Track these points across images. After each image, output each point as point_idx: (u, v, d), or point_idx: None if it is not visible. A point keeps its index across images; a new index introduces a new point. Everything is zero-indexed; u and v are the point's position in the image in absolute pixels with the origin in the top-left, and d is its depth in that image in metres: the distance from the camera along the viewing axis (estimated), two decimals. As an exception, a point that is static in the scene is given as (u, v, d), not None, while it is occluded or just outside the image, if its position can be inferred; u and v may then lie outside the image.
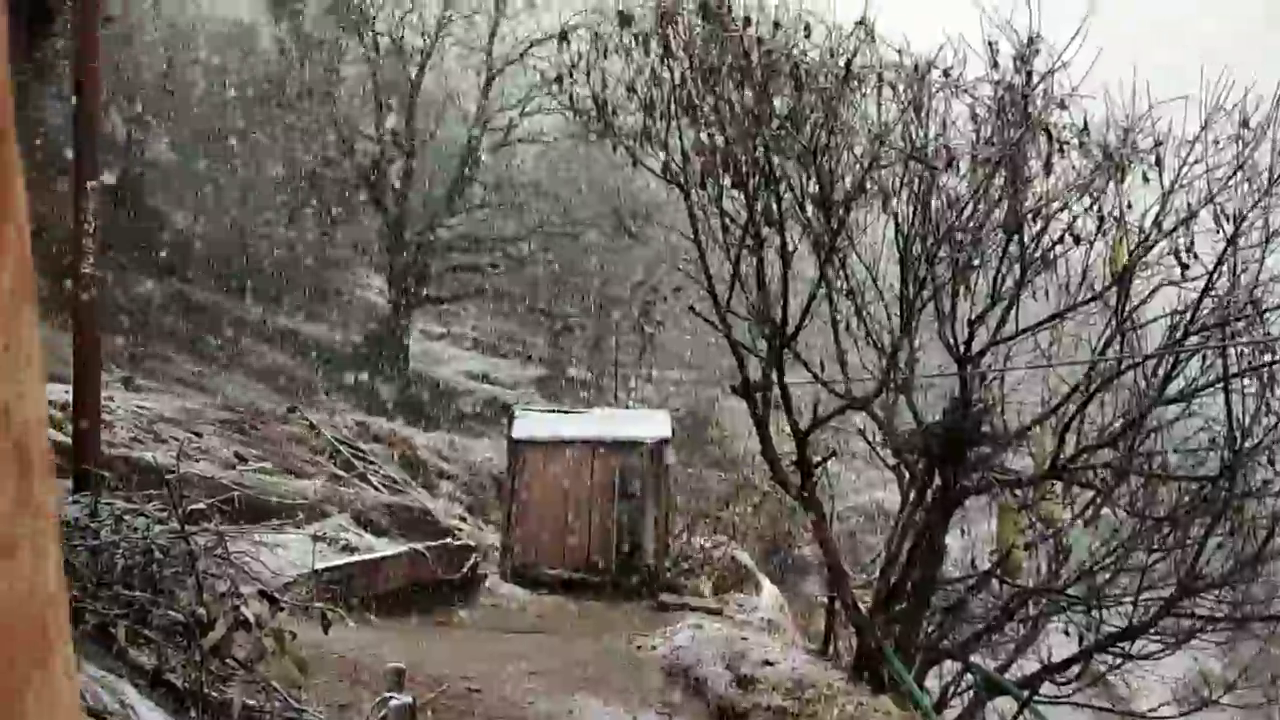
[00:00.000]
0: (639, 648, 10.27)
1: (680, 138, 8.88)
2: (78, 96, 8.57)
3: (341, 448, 16.88)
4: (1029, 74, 7.97)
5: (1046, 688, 10.05)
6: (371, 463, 17.05)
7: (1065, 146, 8.02)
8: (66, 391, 8.98)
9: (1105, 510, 9.76)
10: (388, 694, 5.45)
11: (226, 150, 27.45)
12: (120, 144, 24.61)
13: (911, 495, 9.45)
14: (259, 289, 27.38)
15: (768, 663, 9.63)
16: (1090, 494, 9.50)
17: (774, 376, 9.29)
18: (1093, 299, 8.46)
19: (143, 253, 24.89)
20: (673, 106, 8.59)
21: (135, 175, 25.10)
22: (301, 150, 28.11)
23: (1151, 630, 9.51)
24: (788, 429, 9.65)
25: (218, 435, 14.37)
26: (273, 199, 29.04)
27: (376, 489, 15.68)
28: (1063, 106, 7.92)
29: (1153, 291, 8.48)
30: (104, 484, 6.21)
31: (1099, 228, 8.27)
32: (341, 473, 15.82)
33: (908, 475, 9.62)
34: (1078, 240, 8.38)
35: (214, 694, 4.97)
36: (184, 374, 21.58)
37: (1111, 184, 8.15)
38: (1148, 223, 8.14)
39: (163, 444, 12.41)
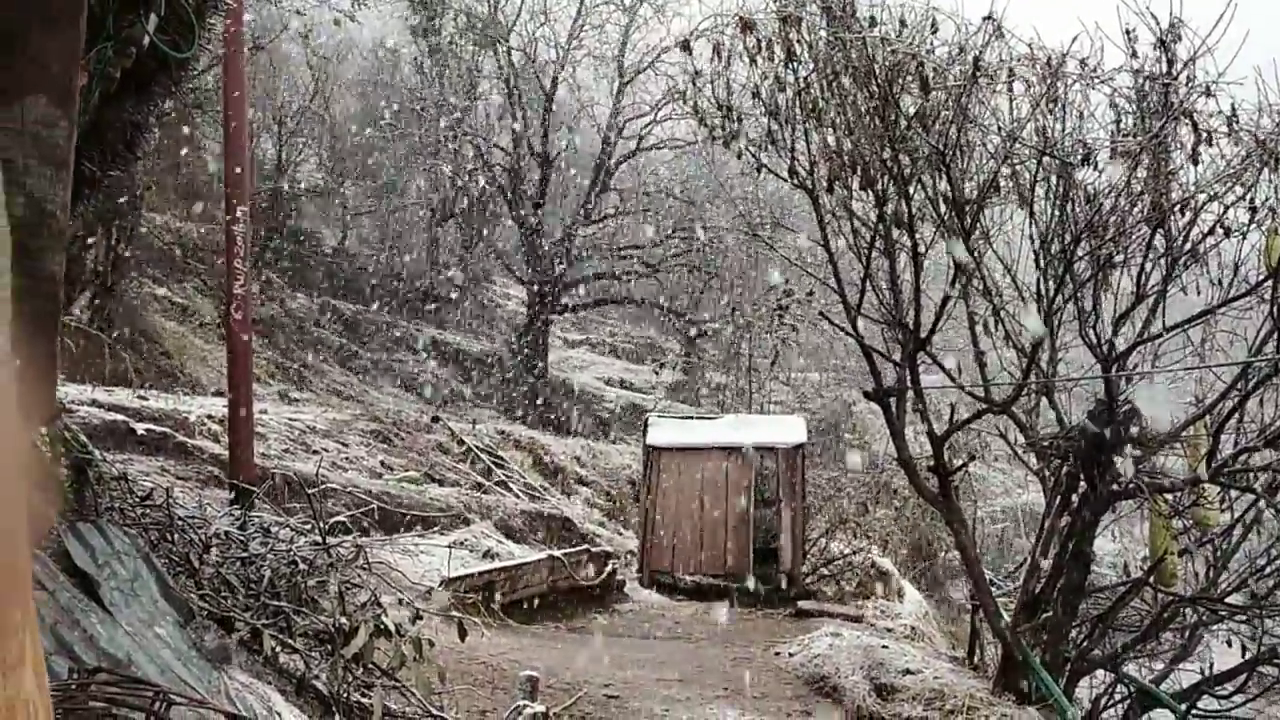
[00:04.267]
0: (777, 655, 10.22)
1: (806, 141, 8.81)
2: (225, 125, 9.04)
3: (483, 456, 17.28)
4: (1170, 61, 7.63)
5: (1206, 700, 9.59)
6: (511, 470, 17.41)
7: (1213, 135, 7.64)
8: (225, 406, 9.49)
9: (1268, 514, 9.25)
10: (521, 703, 5.56)
11: (371, 168, 28.47)
12: (271, 166, 25.76)
13: (1056, 500, 9.14)
14: (404, 301, 28.28)
15: (908, 672, 9.46)
16: (1250, 498, 9.01)
17: (908, 380, 9.12)
18: (1247, 293, 8.03)
19: (296, 269, 26.04)
20: (797, 111, 8.54)
21: (286, 195, 26.24)
22: (442, 165, 28.91)
23: (1322, 641, 8.99)
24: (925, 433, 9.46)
25: (364, 445, 14.89)
26: (416, 213, 29.97)
27: (516, 496, 16.01)
28: (1208, 93, 7.54)
29: (1314, 283, 7.99)
30: (254, 497, 6.53)
31: (1252, 218, 7.84)
32: (483, 480, 16.21)
33: (1052, 479, 9.31)
34: (1229, 232, 7.97)
35: (357, 699, 5.15)
36: (335, 385, 22.42)
37: (1265, 171, 7.73)
38: (1306, 211, 7.69)
39: (314, 455, 12.93)
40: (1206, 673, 9.77)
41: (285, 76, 25.93)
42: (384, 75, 30.10)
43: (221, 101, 9.69)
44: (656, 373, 29.15)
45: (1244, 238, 8.02)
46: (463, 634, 6.27)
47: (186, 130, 19.37)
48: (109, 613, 4.16)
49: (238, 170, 8.86)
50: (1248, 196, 7.83)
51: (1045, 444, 9.11)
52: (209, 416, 12.37)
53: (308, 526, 5.89)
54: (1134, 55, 7.80)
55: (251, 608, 5.09)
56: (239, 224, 8.67)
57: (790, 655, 10.04)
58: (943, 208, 8.46)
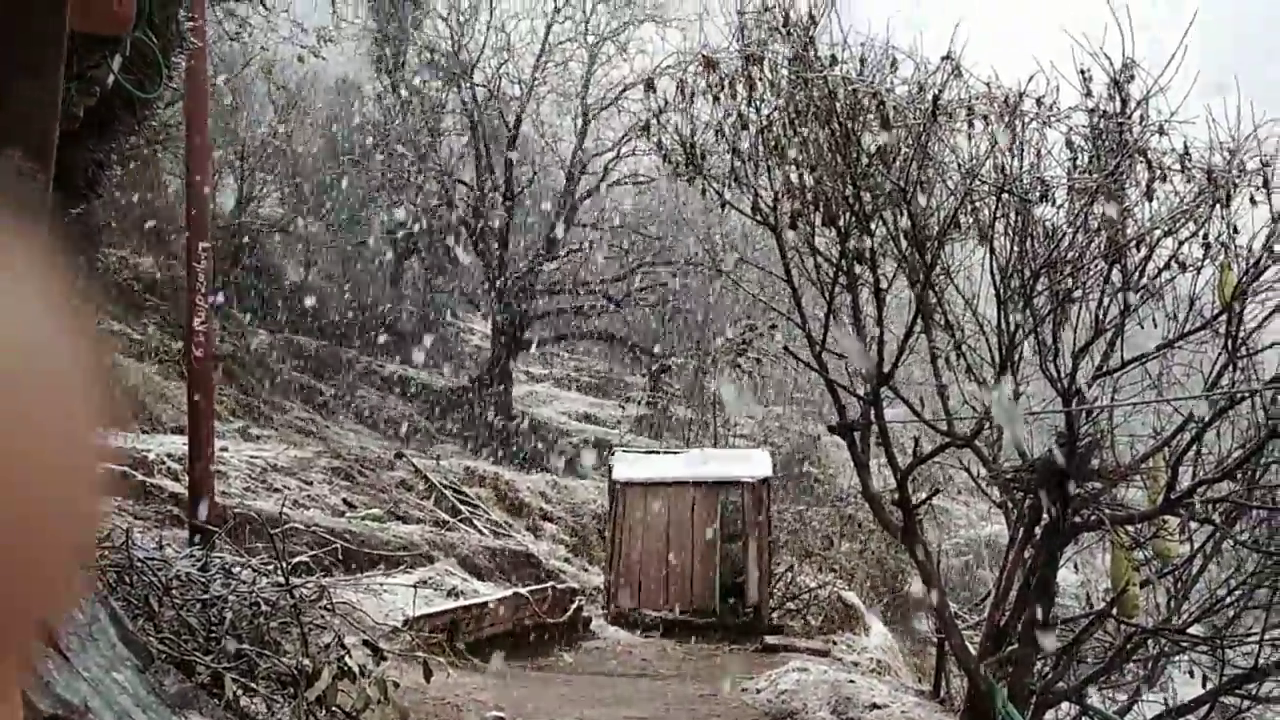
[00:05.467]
0: (744, 691, 10.18)
1: (769, 178, 8.89)
2: (188, 163, 9.01)
3: (447, 492, 17.16)
4: (1124, 100, 7.80)
5: (1170, 731, 9.64)
6: (476, 507, 17.29)
7: (1166, 172, 7.80)
8: (185, 444, 9.37)
9: (1226, 545, 9.36)
10: (487, 743, 5.51)
11: (334, 203, 28.39)
12: (234, 201, 25.62)
13: (1019, 532, 9.21)
14: (367, 336, 28.13)
15: (875, 706, 9.46)
16: (1209, 529, 9.12)
17: (872, 415, 9.17)
18: (1202, 327, 8.17)
19: (257, 305, 25.84)
20: (760, 149, 8.62)
21: (249, 230, 26.09)
22: (405, 200, 28.88)
23: (1282, 670, 9.06)
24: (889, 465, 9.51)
25: (327, 483, 14.75)
26: (379, 249, 29.88)
27: (481, 533, 15.90)
28: (1161, 132, 7.71)
29: (1267, 317, 8.14)
30: (215, 537, 6.45)
31: (1206, 253, 8.00)
32: (447, 517, 16.09)
33: (1015, 512, 9.38)
34: (1184, 267, 8.12)
35: (320, 743, 5.08)
36: (297, 422, 22.21)
37: (1217, 208, 7.89)
38: (1257, 246, 7.84)
39: (275, 493, 12.79)
40: (1169, 704, 9.83)
41: (248, 111, 25.84)
42: (348, 110, 30.10)
43: (183, 136, 9.65)
44: (623, 407, 29.14)
45: (1198, 272, 8.17)
46: (428, 674, 6.21)
47: (146, 163, 19.21)
48: (65, 658, 4.08)
49: (199, 207, 8.82)
50: (1201, 232, 7.99)
51: (1008, 477, 9.18)
52: (168, 455, 12.20)
53: (270, 567, 5.82)
54: (1089, 94, 7.96)
55: (213, 651, 5.02)
56: (201, 260, 8.62)
57: (758, 691, 10.01)
58: (904, 244, 8.56)
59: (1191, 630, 9.57)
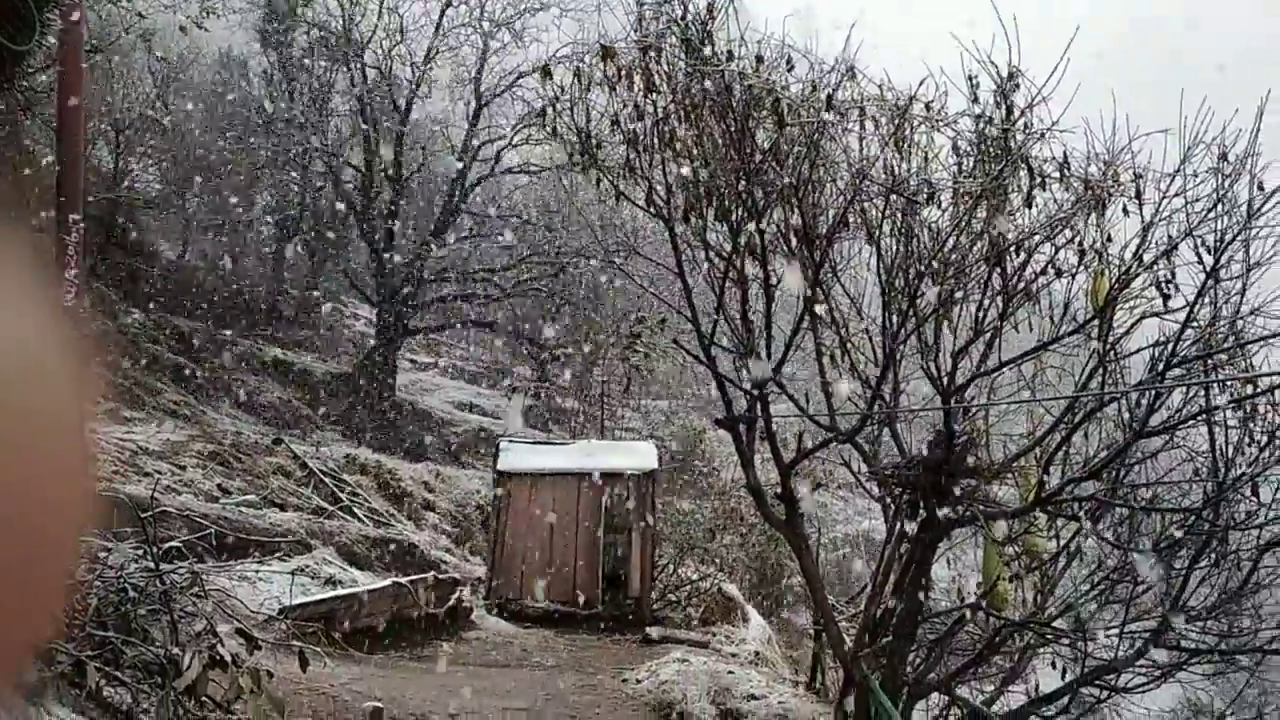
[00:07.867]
0: (625, 681, 10.21)
1: (664, 170, 8.90)
2: (59, 129, 8.59)
3: (326, 479, 16.79)
4: (1009, 108, 8.01)
5: (1032, 720, 9.97)
6: (356, 495, 16.96)
7: (1046, 180, 8.05)
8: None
9: (1090, 541, 9.72)
10: (365, 734, 5.39)
11: (215, 180, 27.51)
12: (107, 174, 24.60)
13: (896, 527, 9.41)
14: (247, 319, 27.35)
15: (753, 696, 9.58)
16: (1074, 526, 9.46)
17: (758, 409, 9.27)
18: (1074, 331, 8.45)
19: (130, 282, 24.89)
20: (655, 141, 8.62)
21: (123, 205, 25.10)
22: (290, 181, 28.16)
23: (1138, 662, 9.45)
24: (773, 460, 9.62)
25: (201, 467, 14.29)
26: (261, 229, 29.08)
27: (361, 521, 15.60)
28: (1043, 138, 7.95)
29: (1135, 323, 8.47)
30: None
31: (1080, 260, 8.28)
32: (326, 505, 15.74)
33: (893, 507, 9.58)
34: (1060, 273, 8.39)
35: (188, 735, 4.90)
36: (170, 404, 21.46)
37: (1092, 217, 8.17)
38: (1128, 255, 8.15)
39: (146, 477, 12.33)
40: (1033, 694, 10.18)
41: (125, 82, 24.81)
42: (231, 86, 29.19)
43: (54, 103, 9.21)
44: (508, 397, 28.95)
45: (1073, 278, 8.46)
46: (304, 664, 6.06)
47: (13, 130, 18.30)
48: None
49: (71, 178, 8.42)
50: (1076, 240, 8.27)
51: (887, 473, 9.38)
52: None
53: (139, 552, 5.60)
54: (975, 101, 8.16)
55: (75, 639, 4.80)
56: (72, 234, 8.24)
57: (638, 682, 10.05)
58: (794, 241, 8.66)
59: (1056, 624, 9.92)
